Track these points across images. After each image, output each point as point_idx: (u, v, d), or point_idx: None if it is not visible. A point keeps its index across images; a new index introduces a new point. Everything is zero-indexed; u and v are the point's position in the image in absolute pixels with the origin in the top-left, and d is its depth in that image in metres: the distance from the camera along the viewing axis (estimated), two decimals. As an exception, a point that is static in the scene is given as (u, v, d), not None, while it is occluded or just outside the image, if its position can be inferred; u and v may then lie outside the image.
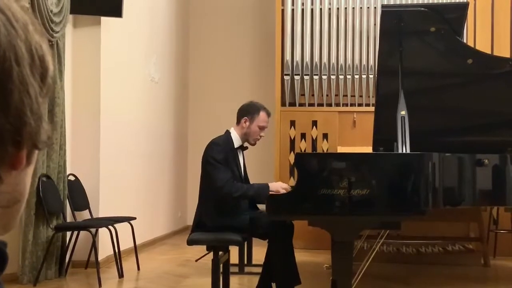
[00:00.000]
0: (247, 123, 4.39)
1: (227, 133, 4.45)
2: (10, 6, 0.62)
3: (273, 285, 4.34)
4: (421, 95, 4.46)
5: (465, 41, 6.27)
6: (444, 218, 5.72)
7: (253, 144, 4.51)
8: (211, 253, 4.14)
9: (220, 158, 4.21)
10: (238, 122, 4.44)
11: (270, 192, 4.06)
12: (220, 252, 4.18)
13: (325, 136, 6.96)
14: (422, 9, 4.27)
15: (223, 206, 4.23)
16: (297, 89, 6.99)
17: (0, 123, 0.60)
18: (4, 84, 0.59)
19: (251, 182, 4.61)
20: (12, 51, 0.60)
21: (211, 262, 4.10)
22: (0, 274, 0.66)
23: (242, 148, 4.46)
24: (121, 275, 5.38)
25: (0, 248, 0.66)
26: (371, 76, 6.89)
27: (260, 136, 4.46)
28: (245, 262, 5.70)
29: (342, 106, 6.98)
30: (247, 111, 4.43)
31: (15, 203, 0.66)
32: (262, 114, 4.42)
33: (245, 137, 4.43)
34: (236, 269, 5.48)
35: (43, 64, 0.64)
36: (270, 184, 4.20)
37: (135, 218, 5.82)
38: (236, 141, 4.41)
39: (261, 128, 4.42)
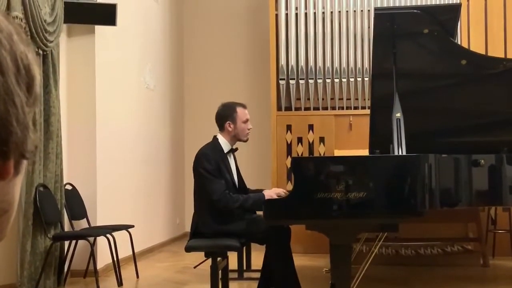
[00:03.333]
0: (232, 125, 4.41)
1: (215, 139, 4.46)
2: (-6, 16, 0.62)
3: (272, 290, 4.33)
4: (415, 96, 4.47)
5: (459, 42, 6.29)
6: (442, 219, 5.72)
7: (246, 141, 4.52)
8: (210, 260, 4.13)
9: (211, 168, 4.22)
10: (222, 128, 4.46)
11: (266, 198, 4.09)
12: (219, 258, 4.17)
13: (321, 139, 6.96)
14: (415, 11, 4.28)
15: (218, 214, 4.23)
16: (293, 93, 6.99)
17: None
18: None
19: (248, 187, 4.63)
20: None
21: (210, 269, 4.09)
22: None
23: (232, 150, 4.47)
24: (120, 283, 5.36)
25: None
26: (366, 79, 6.89)
27: (249, 129, 4.47)
28: (244, 267, 5.69)
29: (338, 109, 6.99)
30: (225, 115, 4.45)
31: (4, 213, 0.66)
32: (239, 110, 4.45)
33: (235, 139, 4.45)
34: (235, 275, 5.47)
35: (29, 73, 0.64)
36: (265, 193, 4.24)
37: (133, 226, 5.81)
38: (225, 146, 4.41)
39: (246, 122, 4.44)
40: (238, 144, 4.55)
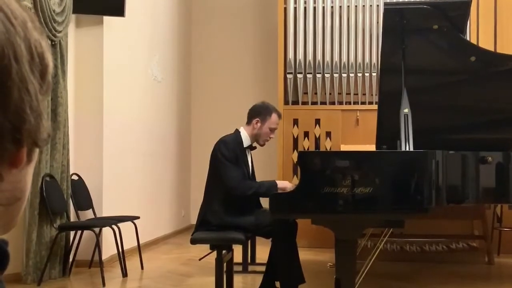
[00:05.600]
0: (259, 124, 4.41)
1: (237, 132, 4.47)
2: (9, 3, 0.62)
3: (277, 283, 4.34)
4: (424, 92, 4.45)
5: (468, 38, 6.26)
6: (448, 216, 5.71)
7: (262, 145, 4.54)
8: (215, 252, 4.14)
9: (230, 155, 4.25)
10: (249, 122, 4.46)
11: (279, 191, 4.10)
12: (224, 251, 4.17)
13: (328, 134, 6.96)
14: (425, 6, 4.25)
15: (230, 204, 4.24)
16: (300, 87, 6.98)
17: None
18: (3, 81, 0.59)
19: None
20: (11, 48, 0.60)
21: (215, 261, 4.10)
22: (1, 273, 0.66)
23: (251, 147, 4.48)
24: (124, 274, 5.38)
25: (1, 247, 0.66)
26: (374, 74, 6.88)
27: (270, 138, 4.48)
28: (249, 261, 5.70)
29: (345, 104, 6.97)
30: (259, 112, 4.44)
31: (16, 201, 0.66)
32: (274, 116, 4.45)
33: (255, 138, 4.45)
34: (239, 268, 5.48)
35: (43, 61, 0.64)
36: (278, 182, 4.31)
37: (138, 217, 5.82)
38: (246, 141, 4.42)
39: (272, 130, 4.45)
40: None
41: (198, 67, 9.15)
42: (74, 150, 5.77)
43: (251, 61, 9.01)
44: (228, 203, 4.24)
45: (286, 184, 4.31)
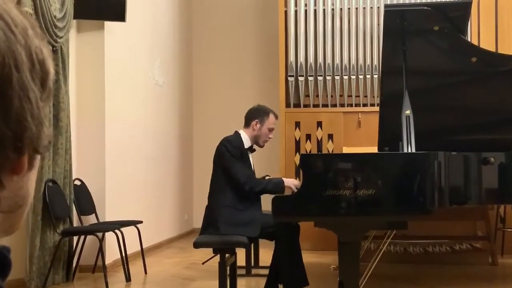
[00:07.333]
0: (258, 126, 4.49)
1: (237, 134, 4.51)
2: (9, 11, 0.62)
3: (280, 286, 4.33)
4: (425, 94, 4.46)
5: (469, 39, 6.26)
6: (451, 217, 5.70)
7: (262, 146, 4.61)
8: (218, 256, 4.14)
9: (236, 153, 4.33)
10: (248, 124, 4.53)
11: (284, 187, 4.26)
12: (227, 255, 4.17)
13: (330, 136, 6.95)
14: (425, 8, 4.26)
15: (241, 199, 4.27)
16: (302, 90, 6.98)
17: (0, 129, 0.59)
18: (4, 90, 0.59)
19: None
20: (12, 57, 0.60)
21: (218, 265, 4.09)
22: (4, 280, 0.66)
23: (251, 149, 4.52)
24: (128, 279, 5.38)
25: (3, 254, 0.66)
26: (375, 76, 6.88)
27: (269, 138, 4.56)
28: (252, 264, 5.70)
29: (347, 106, 6.98)
30: (257, 114, 4.54)
31: (17, 208, 0.66)
32: (271, 116, 4.58)
33: (255, 139, 4.51)
34: (243, 271, 5.48)
35: (44, 68, 0.64)
36: (284, 179, 4.40)
37: (141, 222, 5.82)
38: (246, 142, 4.49)
39: (270, 130, 4.54)
40: None
41: (199, 71, 9.16)
42: (76, 155, 5.77)
43: (252, 64, 9.01)
44: (239, 198, 4.28)
45: (293, 182, 4.37)
